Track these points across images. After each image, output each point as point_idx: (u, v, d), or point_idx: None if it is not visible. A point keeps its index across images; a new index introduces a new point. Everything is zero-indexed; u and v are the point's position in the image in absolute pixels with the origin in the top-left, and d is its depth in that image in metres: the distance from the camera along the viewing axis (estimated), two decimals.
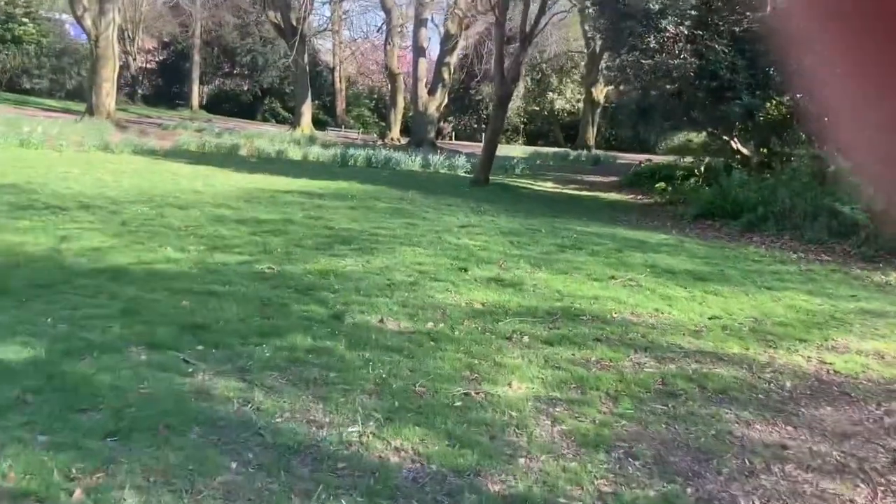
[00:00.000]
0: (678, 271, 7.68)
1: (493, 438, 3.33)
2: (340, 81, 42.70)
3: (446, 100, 30.88)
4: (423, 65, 30.22)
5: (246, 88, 43.42)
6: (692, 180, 15.78)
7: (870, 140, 0.32)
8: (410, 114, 32.08)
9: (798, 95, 13.00)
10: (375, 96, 44.51)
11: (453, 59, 30.24)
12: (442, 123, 36.50)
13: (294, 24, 29.95)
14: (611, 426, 3.61)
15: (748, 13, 12.51)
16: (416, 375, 3.99)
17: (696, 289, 6.90)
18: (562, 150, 31.73)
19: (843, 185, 11.06)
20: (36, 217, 7.70)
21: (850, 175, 10.69)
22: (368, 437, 3.18)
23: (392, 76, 32.35)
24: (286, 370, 3.89)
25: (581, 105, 38.25)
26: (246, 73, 43.19)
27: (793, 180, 11.91)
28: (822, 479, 3.22)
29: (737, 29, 12.68)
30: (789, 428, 3.83)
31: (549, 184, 19.42)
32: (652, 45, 13.19)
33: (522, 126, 41.13)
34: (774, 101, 13.70)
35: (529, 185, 18.23)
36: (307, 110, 31.70)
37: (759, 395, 4.26)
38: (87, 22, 24.23)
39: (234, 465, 2.79)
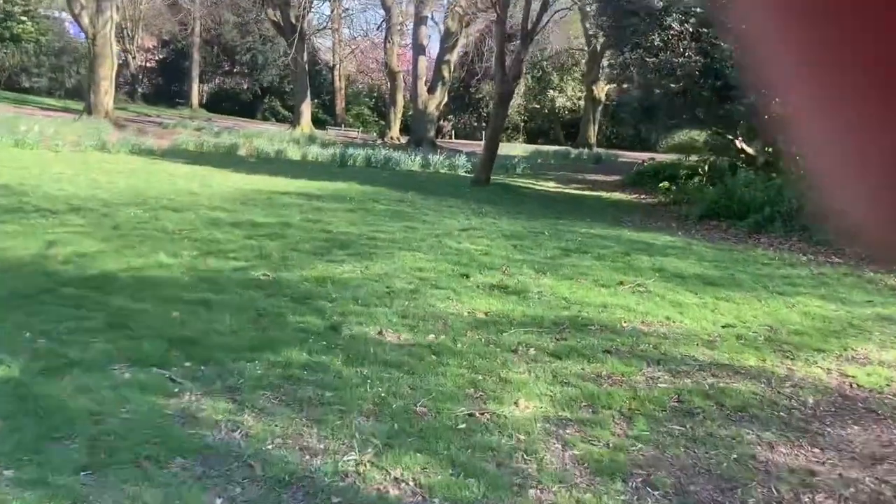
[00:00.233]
0: (687, 275, 7.44)
1: (499, 466, 3.09)
2: (340, 80, 42.46)
3: (446, 98, 30.63)
4: (423, 63, 29.95)
5: (246, 87, 43.20)
6: (696, 179, 15.54)
7: (826, 143, 0.29)
8: (410, 112, 31.81)
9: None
10: (375, 95, 44.26)
11: (453, 57, 29.97)
12: (442, 122, 36.26)
13: (293, 21, 29.70)
14: (626, 450, 3.38)
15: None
16: (416, 394, 3.76)
17: (707, 295, 6.66)
18: (563, 148, 31.49)
19: None
20: (24, 220, 7.47)
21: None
22: (366, 465, 2.95)
23: (392, 74, 32.08)
24: (279, 389, 3.65)
25: (582, 103, 37.99)
26: (246, 71, 42.96)
27: (800, 180, 11.64)
28: None
29: (744, 26, 12.40)
30: (816, 450, 3.60)
31: (551, 183, 19.17)
32: (656, 43, 12.94)
33: (523, 124, 40.88)
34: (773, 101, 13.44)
35: (531, 185, 17.99)
36: (307, 109, 31.46)
37: (781, 413, 4.02)
38: (85, 20, 23.99)
39: (218, 502, 2.56)
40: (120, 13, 32.20)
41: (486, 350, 4.60)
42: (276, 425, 3.24)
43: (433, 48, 33.34)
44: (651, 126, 16.02)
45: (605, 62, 29.01)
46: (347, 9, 40.65)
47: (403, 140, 29.88)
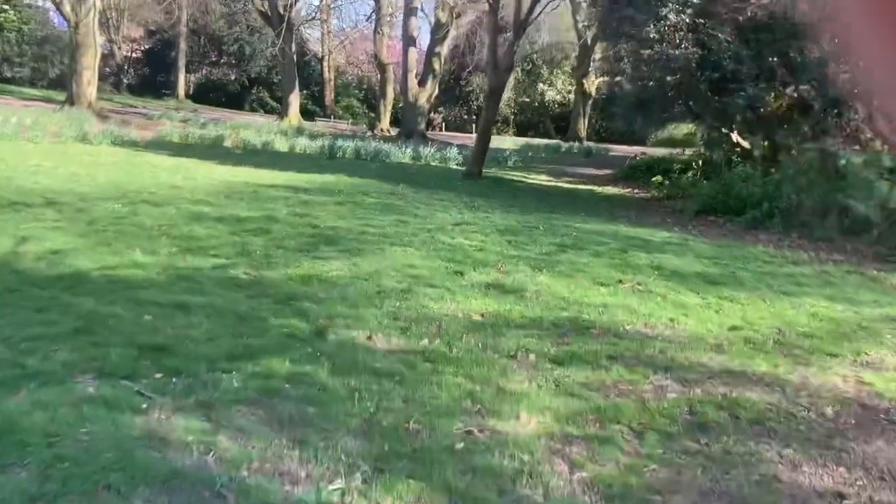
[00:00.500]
0: (688, 274, 7.17)
1: (502, 493, 2.79)
2: (329, 71, 41.96)
3: (437, 90, 30.23)
4: (413, 55, 29.56)
5: (233, 78, 42.62)
6: (690, 174, 15.29)
7: None
8: (400, 104, 31.42)
9: (803, 87, 12.52)
10: (365, 86, 43.77)
11: (444, 49, 29.59)
12: (432, 114, 35.88)
13: (281, 12, 29.21)
14: (639, 472, 3.08)
15: (753, 0, 11.97)
16: (409, 408, 3.45)
17: (710, 294, 6.38)
18: (554, 142, 31.19)
19: (854, 180, 10.59)
20: None
21: (862, 170, 10.22)
22: (353, 494, 2.64)
23: (381, 66, 31.66)
24: (258, 404, 3.33)
25: (571, 96, 37.71)
26: (233, 62, 42.39)
27: (799, 175, 11.41)
28: None
29: (740, 18, 12.13)
30: (842, 469, 3.32)
31: (543, 177, 18.88)
32: (652, 35, 12.63)
33: (513, 117, 40.56)
34: (780, 94, 13.20)
35: (523, 179, 17.69)
36: (295, 100, 31.00)
37: (801, 427, 3.74)
38: (67, 8, 23.45)
39: None
40: (104, 2, 31.60)
41: (484, 356, 4.29)
42: (254, 447, 2.92)
43: (423, 40, 32.95)
44: (646, 120, 15.70)
45: (596, 55, 28.74)
46: None
47: (393, 132, 29.49)
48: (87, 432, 2.91)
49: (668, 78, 12.20)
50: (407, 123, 28.35)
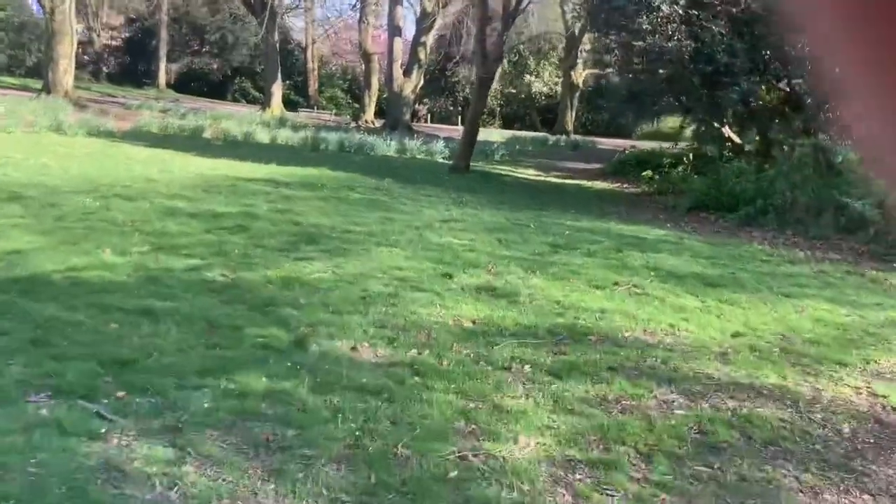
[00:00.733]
0: (685, 275, 6.91)
1: None
2: (313, 61, 41.35)
3: (422, 81, 29.81)
4: (399, 45, 29.07)
5: (215, 67, 41.92)
6: (680, 169, 15.07)
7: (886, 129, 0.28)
8: (385, 95, 30.98)
9: (796, 81, 12.31)
10: (349, 77, 43.20)
11: (430, 39, 29.15)
12: (417, 106, 35.45)
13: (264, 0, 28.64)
14: (649, 503, 2.81)
15: None
16: (398, 431, 3.15)
17: (710, 297, 6.13)
18: (541, 134, 30.91)
19: (850, 177, 10.39)
20: None
21: (859, 167, 10.01)
22: None
23: (366, 56, 31.19)
24: (231, 428, 3.02)
25: (558, 88, 37.43)
26: (215, 51, 41.68)
27: (793, 171, 11.19)
28: None
29: (734, 9, 11.88)
30: (865, 497, 3.07)
31: (531, 171, 18.59)
32: (644, 27, 12.35)
33: (499, 109, 40.22)
34: (773, 87, 12.99)
35: (511, 173, 17.39)
36: (277, 90, 30.47)
37: (817, 447, 3.49)
38: None
39: None
40: None
41: (476, 369, 4.00)
42: (224, 480, 2.61)
43: (409, 30, 32.51)
44: (637, 113, 15.45)
45: (586, 46, 28.46)
46: None
47: (378, 124, 29.06)
48: (36, 463, 2.58)
49: (661, 71, 11.93)
50: (392, 115, 27.93)
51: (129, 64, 42.19)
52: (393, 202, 9.99)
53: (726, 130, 14.53)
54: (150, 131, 17.85)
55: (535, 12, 32.41)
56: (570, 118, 34.48)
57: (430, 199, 10.74)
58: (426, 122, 37.76)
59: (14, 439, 2.72)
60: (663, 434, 3.42)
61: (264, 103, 30.56)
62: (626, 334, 4.90)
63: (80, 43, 38.09)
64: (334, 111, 36.30)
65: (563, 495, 2.81)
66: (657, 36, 12.11)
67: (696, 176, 13.86)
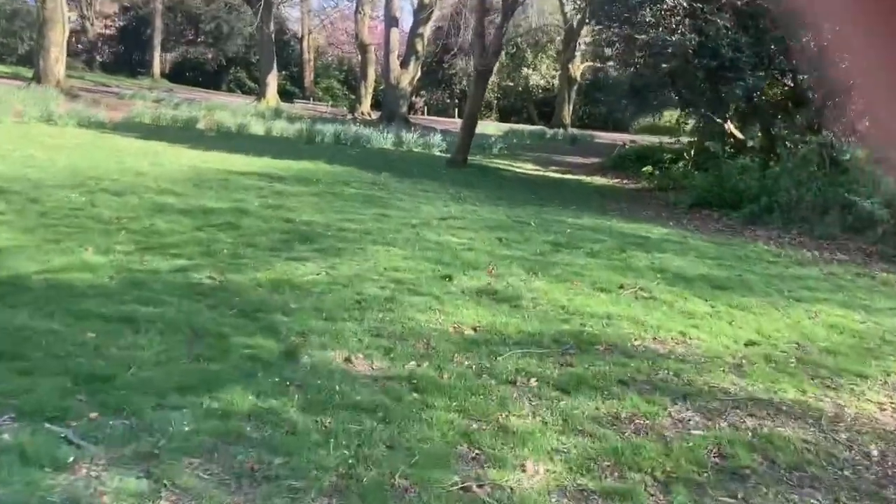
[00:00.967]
0: (692, 277, 6.66)
1: None
2: (309, 52, 40.93)
3: (419, 73, 29.49)
4: (396, 36, 28.72)
5: (210, 57, 41.48)
6: (681, 164, 14.82)
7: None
8: (382, 87, 30.63)
9: (801, 76, 12.05)
10: (345, 68, 42.82)
11: (427, 31, 28.82)
12: (414, 98, 35.13)
13: None
14: None
15: None
16: (395, 457, 2.89)
17: (719, 302, 5.88)
18: (538, 128, 30.61)
19: (857, 175, 10.15)
20: None
21: (867, 164, 9.77)
22: None
23: (363, 47, 30.81)
24: (212, 454, 2.76)
25: (556, 82, 37.14)
26: (210, 41, 41.25)
27: (798, 168, 10.94)
28: None
29: (739, 2, 11.61)
30: None
31: (530, 165, 18.33)
32: (647, 19, 12.07)
33: (496, 102, 39.90)
34: (777, 82, 12.73)
35: (509, 167, 17.12)
36: (273, 81, 30.12)
37: (846, 472, 3.24)
38: None
39: None
40: None
41: (479, 383, 3.74)
42: None
43: (406, 21, 32.14)
44: (639, 108, 15.17)
45: (586, 39, 28.13)
46: None
47: (375, 115, 28.74)
48: None
49: (664, 65, 11.65)
50: (388, 106, 27.60)
51: (123, 53, 41.75)
52: (389, 198, 9.72)
53: (728, 126, 14.28)
54: (142, 122, 17.53)
55: (533, 4, 32.11)
56: (567, 112, 34.19)
57: (427, 194, 10.47)
58: (423, 114, 37.44)
59: None
60: (681, 458, 3.17)
61: (259, 94, 30.22)
62: (636, 343, 4.65)
63: (73, 31, 37.67)
64: (330, 103, 35.93)
65: None
66: (660, 29, 11.83)
67: (696, 172, 13.62)
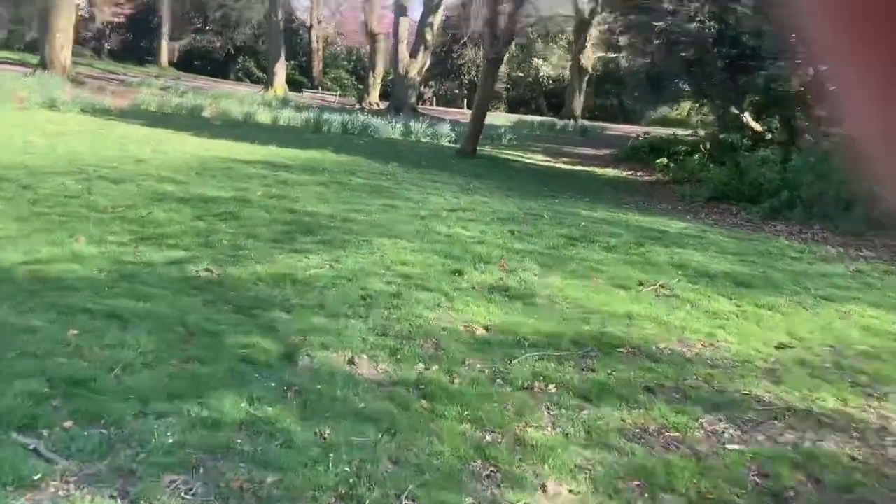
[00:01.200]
0: (715, 274, 6.34)
1: None
2: (318, 41, 40.55)
3: (428, 63, 29.09)
4: (405, 25, 28.32)
5: (218, 46, 41.19)
6: (696, 157, 14.44)
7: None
8: (390, 77, 30.26)
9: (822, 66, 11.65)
10: (354, 58, 42.43)
11: (437, 20, 28.41)
12: (423, 88, 34.76)
13: None
14: None
15: None
16: (401, 474, 2.59)
17: (745, 300, 5.56)
18: (548, 119, 30.18)
19: None
20: None
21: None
22: None
23: (372, 36, 30.42)
24: (196, 470, 2.47)
25: (566, 72, 36.68)
26: (218, 29, 40.93)
27: (821, 162, 10.57)
28: None
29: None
30: None
31: (540, 156, 17.97)
32: (665, 6, 11.69)
33: (505, 93, 39.46)
34: (795, 72, 12.34)
35: (519, 158, 16.77)
36: (281, 70, 29.80)
37: None
38: None
39: None
40: None
41: (493, 390, 3.44)
42: None
43: (416, 10, 31.70)
44: (655, 98, 14.79)
45: (601, 27, 27.65)
46: None
47: (383, 106, 28.39)
48: None
49: (682, 54, 11.27)
50: (397, 96, 27.25)
51: (132, 41, 41.47)
52: (397, 188, 9.41)
53: (746, 117, 13.90)
54: (147, 109, 17.26)
55: None
56: (578, 103, 33.69)
57: (436, 185, 10.16)
58: (431, 104, 37.07)
59: None
60: (717, 478, 2.87)
61: (267, 83, 29.90)
62: (661, 346, 4.34)
63: (81, 19, 37.40)
64: (339, 92, 35.60)
65: None
66: (678, 16, 11.45)
67: (712, 164, 13.25)
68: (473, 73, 38.42)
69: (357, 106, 27.63)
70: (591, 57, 33.23)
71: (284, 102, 23.27)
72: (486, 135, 17.55)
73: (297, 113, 18.94)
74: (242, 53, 41.12)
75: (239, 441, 2.68)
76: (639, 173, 15.49)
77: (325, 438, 2.77)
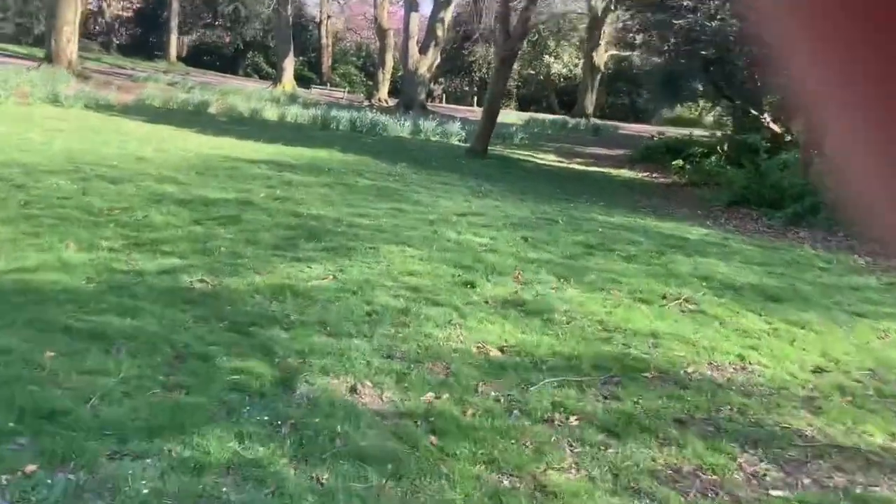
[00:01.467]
0: (741, 286, 5.99)
1: None
2: (327, 37, 40.26)
3: (438, 59, 28.75)
4: (416, 21, 28.01)
5: (228, 41, 40.99)
6: (713, 159, 14.06)
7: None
8: (400, 73, 29.94)
9: None
10: (363, 54, 42.14)
11: (448, 16, 28.04)
12: (433, 85, 34.41)
13: None
14: None
15: None
16: None
17: (775, 316, 5.22)
18: (559, 118, 29.78)
19: None
20: None
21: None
22: None
23: (381, 32, 30.09)
24: None
25: (578, 70, 36.27)
26: (228, 24, 40.69)
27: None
28: None
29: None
30: None
31: (552, 156, 17.62)
32: (684, 3, 11.32)
33: (516, 91, 39.07)
34: None
35: (531, 158, 16.43)
36: (289, 66, 29.52)
37: None
38: None
39: None
40: None
41: (510, 423, 3.12)
42: None
43: (426, 6, 31.36)
44: (672, 98, 14.42)
45: (617, 25, 27.23)
46: None
47: (392, 103, 28.08)
48: None
49: (702, 52, 10.90)
50: (406, 93, 26.93)
51: (141, 36, 41.30)
52: (405, 190, 9.09)
53: (766, 119, 13.51)
54: (152, 105, 16.99)
55: None
56: (590, 101, 33.28)
57: (446, 187, 9.84)
58: (441, 102, 36.73)
59: None
60: None
61: (276, 79, 29.64)
62: (689, 370, 4.01)
63: (90, 13, 37.26)
64: (347, 89, 35.30)
65: None
66: (699, 13, 11.08)
67: (729, 167, 12.88)
68: (484, 70, 38.07)
69: (366, 103, 27.33)
70: (603, 55, 32.81)
71: (292, 99, 23.00)
72: (498, 133, 17.22)
73: (305, 110, 18.65)
74: (252, 49, 40.89)
75: (224, 488, 2.37)
76: (654, 175, 15.13)
77: (321, 484, 2.46)
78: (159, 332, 3.56)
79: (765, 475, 2.99)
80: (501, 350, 3.97)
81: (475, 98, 37.64)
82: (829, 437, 3.40)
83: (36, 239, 5.01)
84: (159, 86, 21.39)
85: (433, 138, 17.70)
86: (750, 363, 4.23)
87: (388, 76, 30.38)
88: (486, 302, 4.78)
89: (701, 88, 14.96)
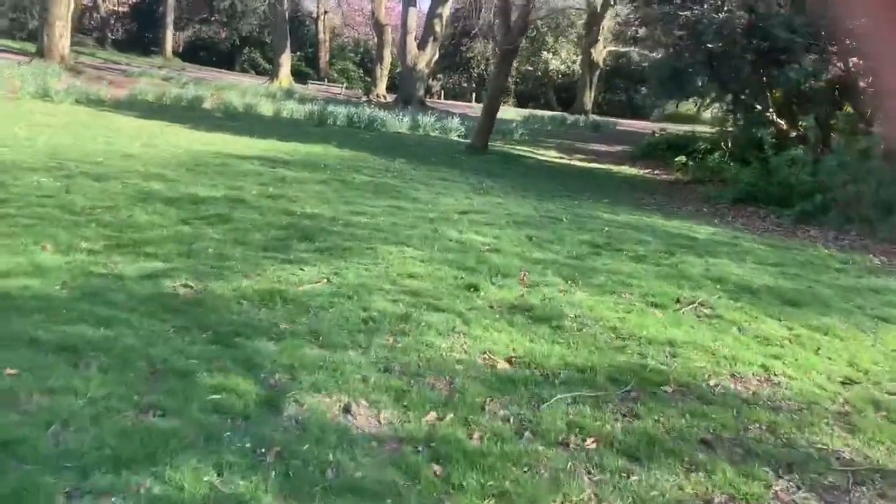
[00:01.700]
0: (756, 289, 5.69)
1: None
2: (324, 32, 39.87)
3: (437, 55, 28.40)
4: (414, 16, 27.68)
5: (224, 36, 40.59)
6: (717, 155, 13.75)
7: None
8: (398, 69, 29.60)
9: (851, 62, 10.97)
10: (361, 49, 41.78)
11: (446, 11, 27.70)
12: (431, 81, 34.06)
13: None
14: None
15: None
16: None
17: (796, 322, 4.92)
18: (559, 114, 29.51)
19: None
20: None
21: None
22: None
23: (379, 28, 29.73)
24: None
25: (576, 67, 35.98)
26: (224, 19, 40.28)
27: (857, 162, 9.89)
28: None
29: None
30: None
31: (553, 152, 17.31)
32: None
33: (514, 87, 38.74)
34: (825, 67, 11.64)
35: (532, 154, 16.12)
36: (286, 61, 29.18)
37: None
38: None
39: None
40: None
41: (521, 447, 2.82)
42: None
43: (424, 1, 31.03)
44: (677, 93, 14.11)
45: (616, 20, 26.91)
46: None
47: (390, 98, 27.75)
48: None
49: (708, 45, 10.59)
50: (405, 89, 26.61)
51: (136, 31, 40.89)
52: (404, 187, 8.78)
53: (771, 114, 13.19)
54: (144, 100, 16.66)
55: None
56: (588, 97, 32.99)
57: (446, 183, 9.53)
58: (439, 98, 36.39)
59: None
60: None
61: (272, 75, 29.31)
62: (711, 383, 3.70)
63: (85, 8, 36.85)
64: (345, 84, 34.95)
65: None
66: (705, 5, 10.77)
67: (732, 164, 12.58)
68: (482, 66, 37.75)
69: (363, 98, 27.00)
70: (602, 51, 32.49)
71: (289, 94, 22.67)
72: (497, 129, 16.90)
73: (301, 105, 18.33)
74: (248, 44, 40.53)
75: None
76: (656, 172, 14.83)
77: None
78: (135, 344, 3.25)
79: None
80: (509, 361, 3.66)
81: (474, 94, 37.33)
82: (869, 459, 3.11)
83: (10, 240, 4.70)
84: (153, 81, 21.06)
85: (432, 134, 17.39)
86: (775, 374, 3.93)
87: (386, 72, 30.04)
88: (491, 307, 4.48)
89: (706, 82, 14.63)
